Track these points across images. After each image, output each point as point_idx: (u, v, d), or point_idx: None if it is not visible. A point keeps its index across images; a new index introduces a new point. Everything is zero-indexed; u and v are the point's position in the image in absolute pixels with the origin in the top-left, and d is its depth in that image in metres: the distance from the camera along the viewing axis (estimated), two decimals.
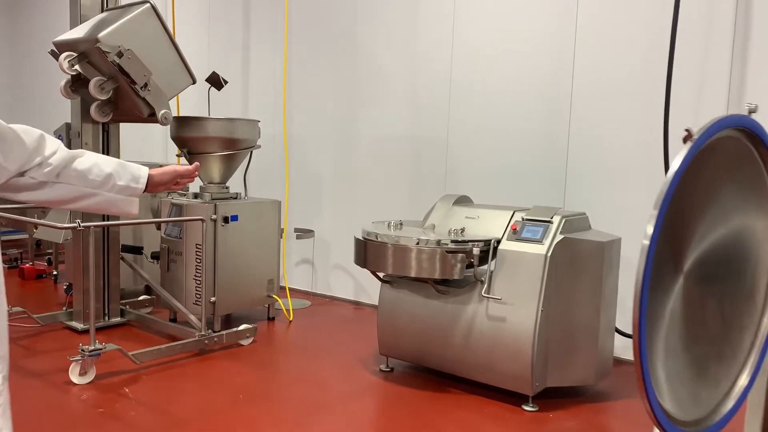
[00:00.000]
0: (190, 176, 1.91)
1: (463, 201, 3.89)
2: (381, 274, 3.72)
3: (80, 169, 1.67)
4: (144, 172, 1.79)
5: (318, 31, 5.52)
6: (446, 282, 3.47)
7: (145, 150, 6.60)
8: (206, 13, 6.34)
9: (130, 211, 1.81)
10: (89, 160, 1.70)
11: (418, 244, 3.35)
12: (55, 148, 1.64)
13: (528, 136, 4.39)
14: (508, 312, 3.27)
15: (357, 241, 3.64)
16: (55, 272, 5.96)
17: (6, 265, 6.30)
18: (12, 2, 8.72)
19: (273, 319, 4.87)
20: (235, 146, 4.56)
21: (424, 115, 4.94)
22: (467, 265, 3.32)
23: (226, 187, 4.70)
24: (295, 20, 5.51)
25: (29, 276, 5.96)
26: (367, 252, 3.55)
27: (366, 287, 5.32)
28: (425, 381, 3.65)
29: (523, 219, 3.42)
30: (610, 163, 4.07)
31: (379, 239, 3.51)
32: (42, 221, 4.00)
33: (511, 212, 3.52)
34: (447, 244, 3.31)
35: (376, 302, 5.24)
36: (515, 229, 3.39)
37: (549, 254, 3.21)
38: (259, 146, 4.80)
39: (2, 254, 4.37)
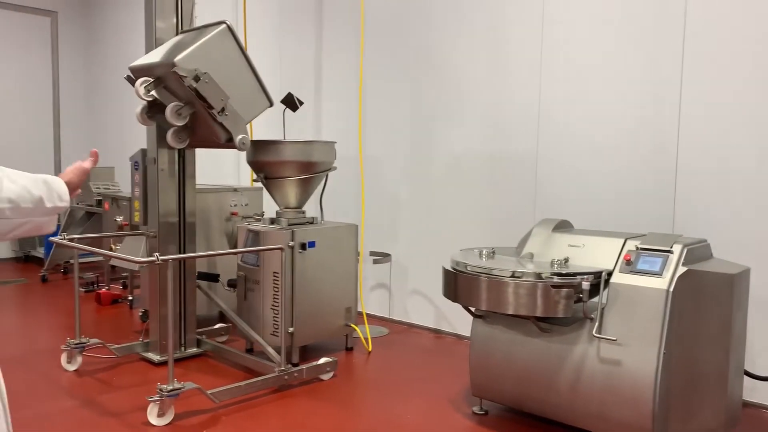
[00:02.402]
0: (93, 163, 1.87)
1: (563, 226, 3.54)
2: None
3: (13, 199, 1.55)
4: (63, 186, 1.71)
5: (393, 47, 5.29)
6: (549, 319, 3.13)
7: (217, 174, 6.52)
8: (277, 30, 6.22)
9: (50, 230, 1.73)
10: (15, 184, 1.57)
11: (516, 276, 3.04)
12: None
13: (630, 154, 4.00)
14: (624, 354, 2.90)
15: (446, 272, 3.35)
16: (130, 297, 5.92)
17: (83, 289, 6.33)
18: (87, 29, 8.91)
19: (351, 349, 4.62)
20: (312, 169, 4.36)
21: (508, 130, 4.61)
22: (574, 301, 2.97)
23: (303, 212, 4.50)
24: (369, 36, 5.30)
25: (105, 301, 5.93)
26: (458, 285, 3.26)
27: (447, 315, 5.01)
28: (526, 428, 3.31)
29: (637, 248, 3.04)
30: (726, 182, 3.64)
31: (470, 270, 3.21)
32: (120, 255, 3.89)
33: (622, 240, 3.14)
34: (550, 278, 2.98)
35: (458, 331, 5.00)
36: (629, 259, 3.02)
37: (671, 289, 2.83)
38: (335, 168, 4.59)
39: (79, 278, 4.30)
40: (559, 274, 2.99)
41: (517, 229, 4.24)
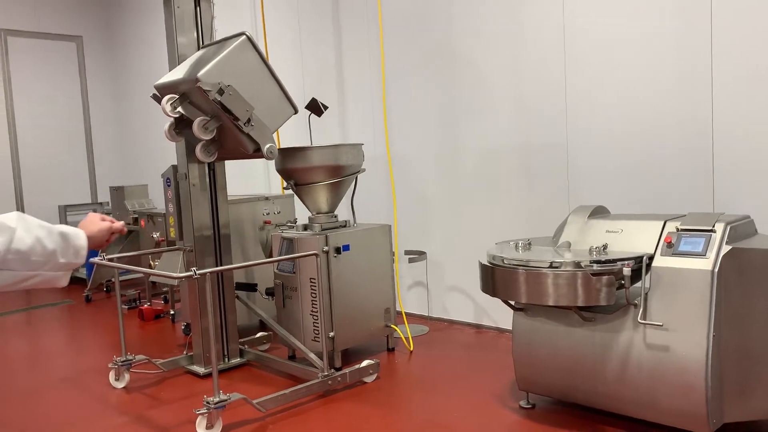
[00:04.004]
0: (120, 232, 1.87)
1: (599, 212, 3.47)
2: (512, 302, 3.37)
3: (23, 251, 1.48)
4: (84, 241, 1.65)
5: (413, 42, 5.25)
6: (592, 307, 3.07)
7: (247, 183, 6.58)
8: (296, 36, 6.24)
9: (62, 285, 1.66)
10: (29, 235, 1.51)
11: (554, 267, 2.99)
12: None
13: (662, 132, 3.90)
14: (672, 339, 2.83)
15: (482, 266, 3.31)
16: (172, 312, 6.01)
17: (126, 306, 6.45)
18: (111, 49, 9.07)
19: (393, 349, 4.61)
20: (342, 173, 4.36)
21: (536, 120, 4.54)
22: (616, 288, 2.91)
23: (335, 216, 4.51)
24: (388, 34, 5.27)
25: (148, 317, 6.04)
26: (495, 279, 3.22)
27: (487, 309, 4.96)
28: (575, 419, 3.26)
29: (678, 229, 2.97)
30: (766, 153, 3.52)
31: (506, 264, 3.17)
32: (159, 272, 3.95)
33: (662, 222, 3.06)
34: (589, 266, 2.92)
35: (499, 325, 4.95)
36: (670, 241, 2.94)
37: (716, 269, 2.75)
38: (364, 170, 4.58)
39: (122, 295, 4.38)
40: (598, 262, 2.93)
41: (552, 219, 4.18)
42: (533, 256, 3.15)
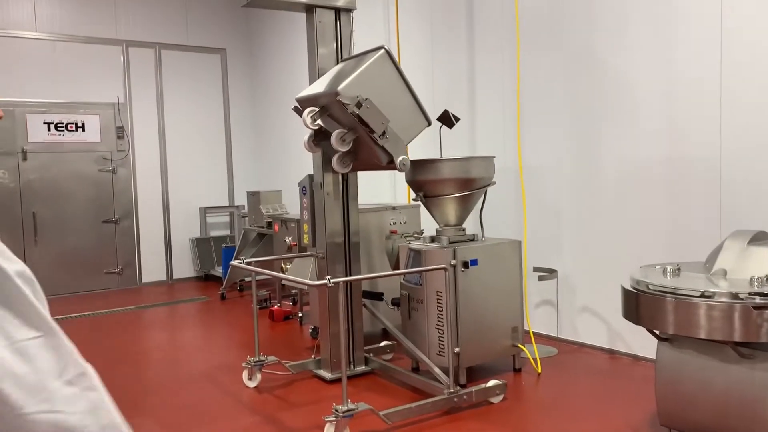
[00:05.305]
0: None
1: (761, 238, 3.15)
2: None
3: None
4: None
5: (550, 49, 5.07)
6: (751, 343, 2.78)
7: (373, 192, 6.67)
8: (429, 43, 6.22)
9: None
10: None
11: (706, 296, 2.74)
12: None
13: None
14: None
15: (625, 291, 3.12)
16: (300, 314, 6.21)
17: (258, 306, 6.73)
18: (252, 62, 9.58)
19: (519, 370, 4.46)
20: (472, 186, 4.29)
21: (685, 129, 4.22)
22: None
23: (463, 229, 4.44)
24: (524, 40, 5.13)
25: (278, 318, 6.27)
26: (640, 306, 3.01)
27: (622, 333, 4.68)
28: None
29: None
30: None
31: (652, 290, 2.96)
32: (294, 278, 4.09)
33: None
34: (751, 297, 2.66)
35: (635, 352, 4.65)
36: None
37: None
38: (494, 182, 4.48)
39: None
40: (761, 294, 2.66)
41: (701, 241, 3.88)
42: (683, 283, 2.92)
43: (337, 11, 4.34)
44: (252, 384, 4.36)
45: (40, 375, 0.86)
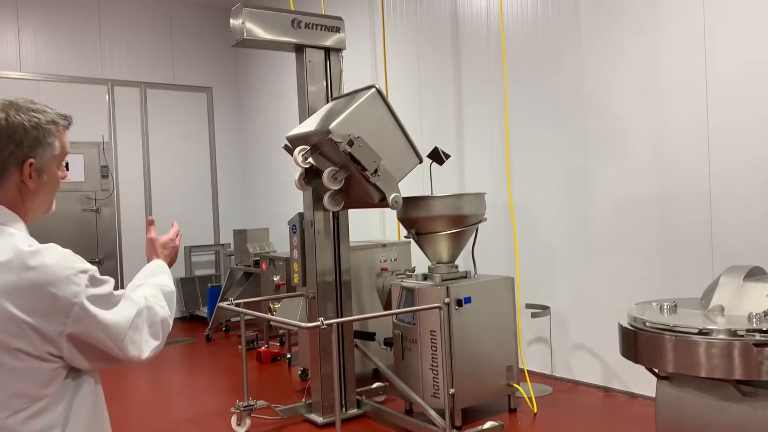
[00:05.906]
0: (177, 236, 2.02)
1: (756, 274, 3.14)
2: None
3: (168, 315, 1.65)
4: (167, 271, 1.83)
5: (538, 86, 5.11)
6: (753, 381, 2.74)
7: (362, 229, 6.62)
8: (416, 82, 6.26)
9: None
10: (163, 309, 1.64)
11: (707, 334, 2.71)
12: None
13: None
14: None
15: (623, 329, 3.07)
16: (288, 355, 6.08)
17: (246, 347, 6.59)
18: (239, 100, 9.60)
19: (515, 410, 4.37)
20: (464, 222, 4.27)
21: (674, 166, 4.26)
22: None
23: (455, 266, 4.41)
24: (511, 78, 5.16)
25: (266, 359, 6.14)
26: (638, 344, 2.96)
27: (617, 371, 4.62)
28: None
29: None
30: None
31: (649, 327, 2.92)
32: (284, 320, 4.01)
33: None
34: (751, 334, 2.62)
35: (631, 389, 4.58)
36: None
37: None
38: (486, 219, 4.47)
39: (240, 336, 4.45)
40: (761, 331, 2.63)
41: (693, 277, 3.88)
42: (681, 320, 2.88)
43: (327, 51, 4.36)
44: (241, 430, 4.22)
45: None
